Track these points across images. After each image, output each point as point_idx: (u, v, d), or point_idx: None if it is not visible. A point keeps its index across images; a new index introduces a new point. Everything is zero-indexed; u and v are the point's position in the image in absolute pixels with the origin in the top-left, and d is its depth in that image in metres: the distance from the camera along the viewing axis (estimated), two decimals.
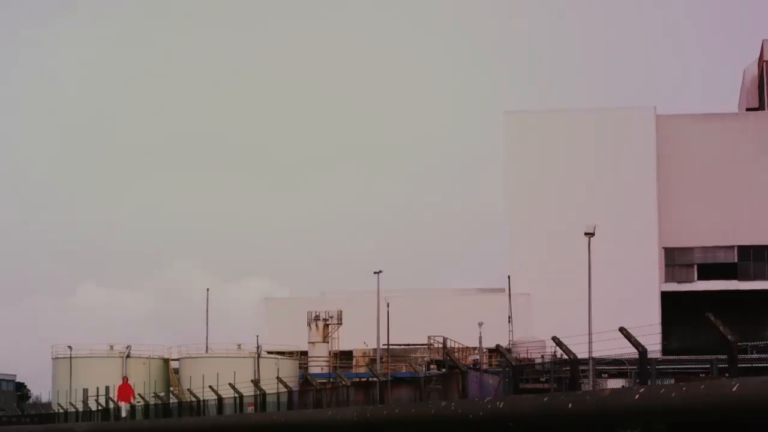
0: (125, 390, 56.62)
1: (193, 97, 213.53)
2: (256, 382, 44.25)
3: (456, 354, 71.63)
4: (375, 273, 76.69)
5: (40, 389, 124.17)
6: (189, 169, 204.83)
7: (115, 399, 56.54)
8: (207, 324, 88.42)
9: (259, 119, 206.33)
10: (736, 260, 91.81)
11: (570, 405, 17.29)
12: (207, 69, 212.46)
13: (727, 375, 17.70)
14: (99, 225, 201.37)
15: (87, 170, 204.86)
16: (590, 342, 47.79)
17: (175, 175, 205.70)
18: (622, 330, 19.67)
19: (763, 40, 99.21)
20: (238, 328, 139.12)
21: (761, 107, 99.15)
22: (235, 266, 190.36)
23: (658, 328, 67.04)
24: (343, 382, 38.54)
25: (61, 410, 72.96)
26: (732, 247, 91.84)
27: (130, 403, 55.98)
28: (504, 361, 49.14)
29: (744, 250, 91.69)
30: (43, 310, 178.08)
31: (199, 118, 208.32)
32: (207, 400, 48.04)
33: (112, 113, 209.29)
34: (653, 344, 49.92)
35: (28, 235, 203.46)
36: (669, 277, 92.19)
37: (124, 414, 54.59)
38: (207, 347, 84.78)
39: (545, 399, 18.50)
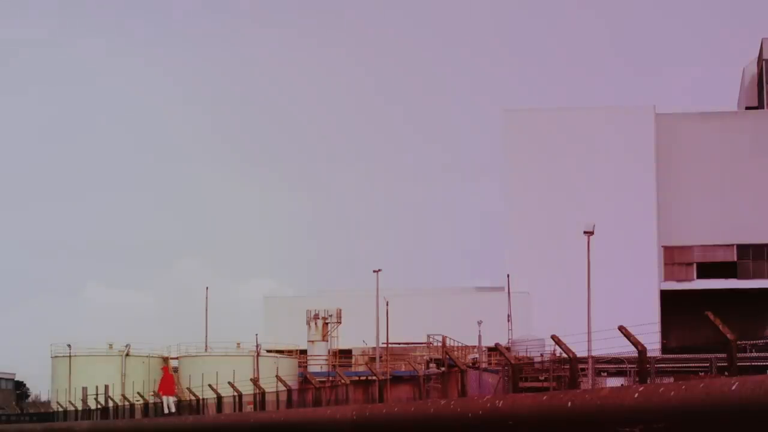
0: (168, 381, 50.78)
1: (195, 98, 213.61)
2: (255, 381, 44.23)
3: (455, 353, 71.63)
4: (374, 272, 76.66)
5: (40, 388, 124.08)
6: (192, 168, 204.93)
7: (158, 391, 52.08)
8: (206, 322, 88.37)
9: (262, 120, 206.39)
10: (735, 259, 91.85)
11: (569, 404, 17.29)
12: (209, 68, 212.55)
13: (726, 374, 17.71)
14: (103, 224, 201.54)
15: (91, 170, 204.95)
16: (589, 340, 47.78)
17: (179, 174, 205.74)
18: (621, 329, 19.67)
19: (763, 39, 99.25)
20: (241, 327, 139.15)
21: (760, 106, 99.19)
22: (241, 266, 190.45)
23: (658, 327, 67.05)
24: (343, 381, 38.56)
25: (60, 409, 72.95)
26: (731, 245, 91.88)
27: (174, 395, 50.74)
28: (503, 359, 49.18)
29: (743, 249, 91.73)
30: (48, 309, 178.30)
31: (202, 119, 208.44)
32: (206, 398, 48.01)
33: (116, 114, 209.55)
34: (652, 343, 50.00)
35: (32, 235, 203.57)
36: (668, 276, 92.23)
37: (173, 408, 48.78)
38: (206, 346, 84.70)
39: (544, 398, 18.50)
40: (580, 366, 38.59)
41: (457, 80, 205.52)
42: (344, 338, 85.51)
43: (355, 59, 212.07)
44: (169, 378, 52.03)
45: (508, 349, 64.41)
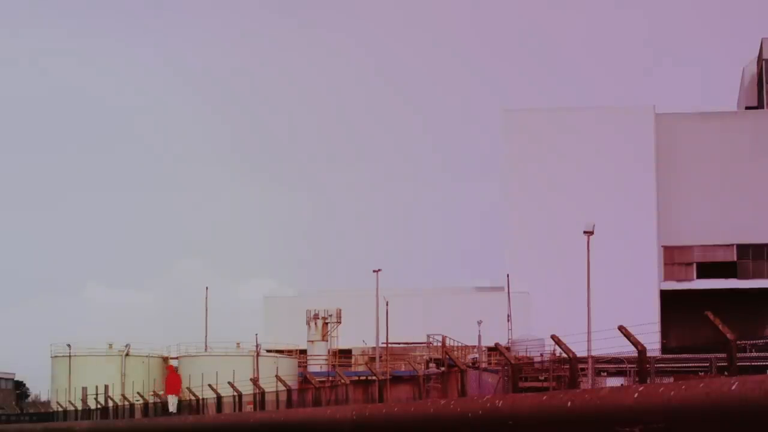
0: (174, 380, 50.66)
1: (196, 97, 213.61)
2: (255, 381, 44.22)
3: (455, 352, 71.62)
4: (374, 271, 76.62)
5: (39, 388, 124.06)
6: (192, 169, 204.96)
7: (162, 391, 51.85)
8: (206, 323, 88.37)
9: (261, 120, 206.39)
10: (735, 259, 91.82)
11: (569, 404, 17.29)
12: (209, 67, 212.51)
13: (726, 373, 17.70)
14: (103, 224, 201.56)
15: (92, 169, 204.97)
16: (589, 340, 47.79)
17: (179, 175, 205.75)
18: (621, 328, 19.66)
19: (762, 39, 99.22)
20: (241, 327, 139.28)
21: (760, 106, 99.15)
22: (241, 266, 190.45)
23: (657, 327, 67.06)
24: (343, 381, 38.56)
25: (60, 409, 72.94)
26: (731, 245, 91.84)
27: (179, 395, 50.84)
28: (503, 359, 49.12)
29: (743, 249, 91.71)
30: (48, 309, 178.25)
31: (202, 119, 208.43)
32: (206, 398, 48.00)
33: (116, 114, 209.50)
34: (652, 343, 50.01)
35: (32, 234, 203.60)
36: (668, 276, 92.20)
37: (172, 408, 48.84)
38: (206, 346, 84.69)
39: (544, 397, 18.50)
40: (580, 366, 38.59)
41: (457, 80, 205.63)
42: (344, 338, 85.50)
43: (355, 59, 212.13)
44: (175, 377, 52.04)
45: (507, 349, 64.39)
